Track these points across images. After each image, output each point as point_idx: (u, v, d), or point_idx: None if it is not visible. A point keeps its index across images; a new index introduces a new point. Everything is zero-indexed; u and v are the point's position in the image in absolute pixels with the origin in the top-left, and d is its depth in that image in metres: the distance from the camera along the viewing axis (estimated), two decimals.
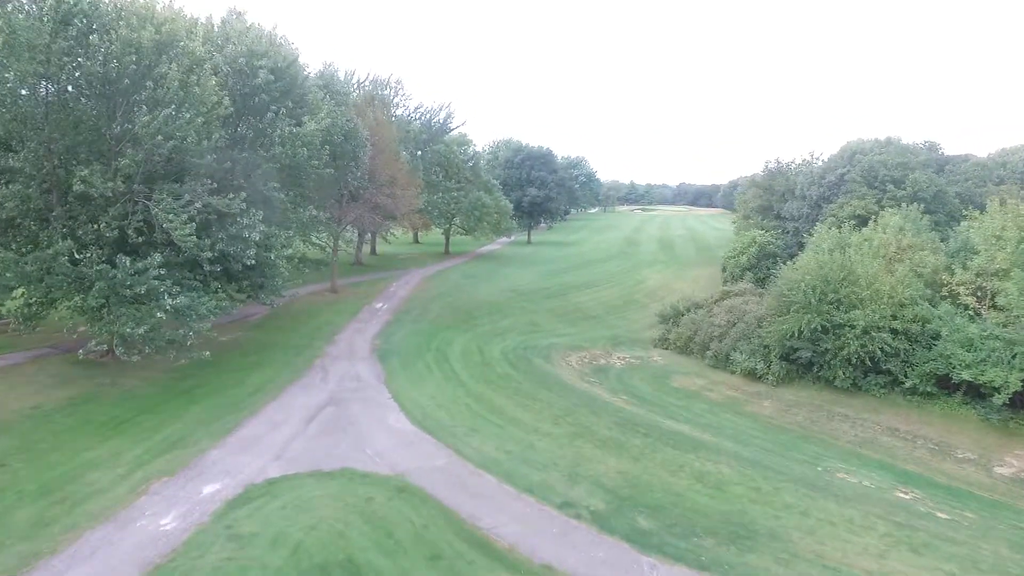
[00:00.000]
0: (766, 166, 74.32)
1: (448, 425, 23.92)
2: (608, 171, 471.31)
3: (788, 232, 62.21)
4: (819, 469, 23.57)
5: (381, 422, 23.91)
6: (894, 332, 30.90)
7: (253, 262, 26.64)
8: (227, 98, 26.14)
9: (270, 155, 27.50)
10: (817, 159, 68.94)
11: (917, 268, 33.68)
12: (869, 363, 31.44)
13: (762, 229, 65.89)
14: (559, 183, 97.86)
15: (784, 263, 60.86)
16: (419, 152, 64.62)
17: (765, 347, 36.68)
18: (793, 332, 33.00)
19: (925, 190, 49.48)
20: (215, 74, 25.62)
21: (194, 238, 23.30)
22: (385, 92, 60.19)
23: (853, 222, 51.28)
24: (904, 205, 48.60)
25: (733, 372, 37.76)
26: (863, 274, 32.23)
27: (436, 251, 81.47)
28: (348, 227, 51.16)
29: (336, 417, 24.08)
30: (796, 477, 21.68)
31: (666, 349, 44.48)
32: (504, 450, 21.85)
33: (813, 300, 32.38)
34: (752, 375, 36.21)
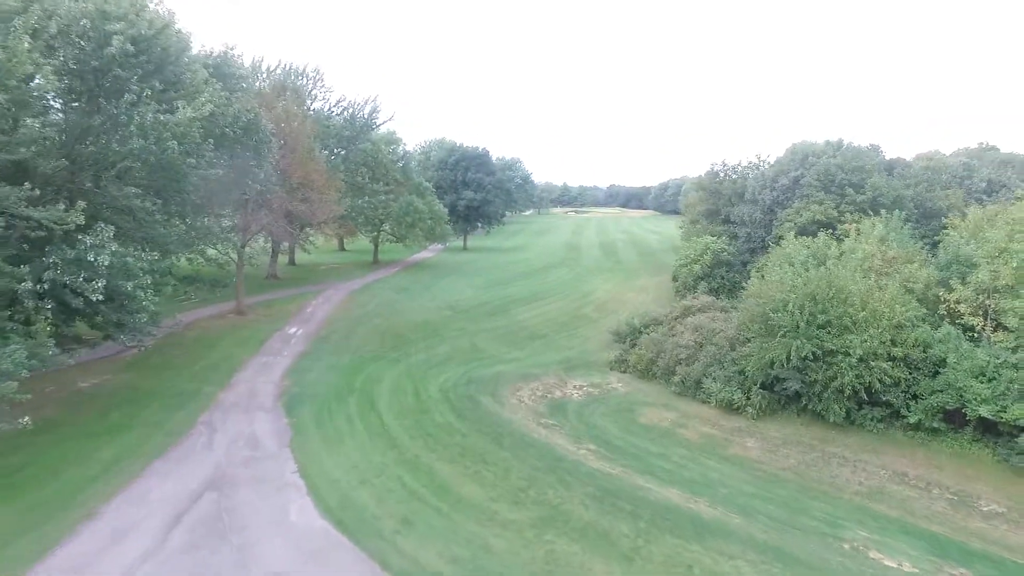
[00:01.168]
0: (711, 168, 71.46)
1: (373, 516, 17.72)
2: (541, 173, 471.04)
3: (739, 238, 59.13)
4: (846, 547, 18.93)
5: (280, 518, 17.42)
6: (892, 359, 27.02)
7: (101, 296, 19.45)
8: (59, 71, 18.82)
9: (127, 150, 20.35)
10: (764, 161, 66.55)
11: (907, 283, 30.13)
12: (865, 394, 27.44)
13: (712, 235, 62.71)
14: (497, 185, 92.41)
15: (738, 271, 58.11)
16: (342, 151, 57.39)
17: (742, 374, 32.38)
18: (779, 360, 28.65)
19: (885, 195, 47.15)
20: (35, 37, 18.35)
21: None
22: (301, 82, 52.74)
23: (816, 228, 48.53)
24: (884, 212, 45.95)
25: (705, 402, 33.26)
26: (855, 292, 28.25)
27: (364, 260, 74.09)
28: (258, 237, 43.50)
29: (215, 514, 17.38)
30: (833, 570, 16.87)
31: (624, 372, 39.67)
32: (450, 556, 15.92)
33: (802, 323, 28.12)
34: (729, 407, 31.74)
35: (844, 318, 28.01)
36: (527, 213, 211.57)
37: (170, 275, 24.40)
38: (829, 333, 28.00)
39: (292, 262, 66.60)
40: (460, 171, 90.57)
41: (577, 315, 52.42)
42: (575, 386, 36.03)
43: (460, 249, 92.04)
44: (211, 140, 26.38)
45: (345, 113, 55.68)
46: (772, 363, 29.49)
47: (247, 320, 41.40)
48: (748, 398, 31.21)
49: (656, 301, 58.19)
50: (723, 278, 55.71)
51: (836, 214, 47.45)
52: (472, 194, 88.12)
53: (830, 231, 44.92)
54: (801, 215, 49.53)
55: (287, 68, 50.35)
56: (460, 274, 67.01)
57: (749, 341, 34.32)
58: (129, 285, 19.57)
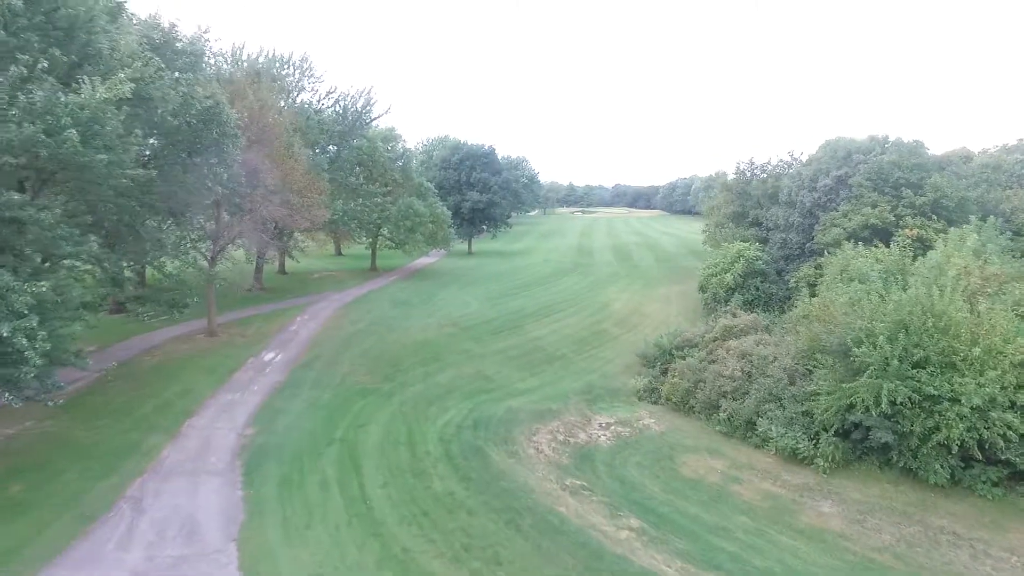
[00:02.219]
0: (737, 167, 65.67)
1: None
2: (546, 172, 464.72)
3: (774, 244, 53.28)
4: None
5: None
6: (1015, 407, 21.27)
7: None
8: None
9: (4, 140, 14.78)
10: (796, 159, 60.70)
11: (1017, 308, 24.32)
12: (977, 451, 21.68)
13: (744, 240, 56.89)
14: (503, 186, 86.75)
15: (774, 282, 52.30)
16: (333, 148, 51.85)
17: (807, 415, 26.65)
18: (863, 405, 22.90)
19: (948, 196, 41.31)
20: None
21: None
22: (286, 72, 47.22)
23: (869, 234, 42.71)
24: (959, 221, 40.31)
25: (760, 448, 27.59)
26: (962, 321, 22.45)
27: (361, 267, 68.57)
28: (236, 246, 37.95)
29: None
30: None
31: (656, 404, 34.10)
32: None
33: (893, 360, 22.35)
34: (792, 455, 26.01)
35: (948, 354, 22.22)
36: (533, 213, 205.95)
37: (82, 308, 18.71)
38: (929, 373, 22.21)
39: (282, 270, 61.12)
40: (465, 171, 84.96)
41: (595, 331, 46.68)
42: (601, 424, 30.36)
43: (465, 254, 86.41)
44: (151, 131, 20.80)
45: (336, 106, 50.23)
46: (852, 407, 23.74)
47: (218, 343, 35.87)
48: (816, 446, 25.47)
49: (682, 314, 52.51)
50: (758, 289, 49.88)
51: (893, 218, 41.59)
52: (477, 195, 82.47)
53: (878, 239, 39.23)
54: (850, 219, 43.67)
55: (269, 55, 44.82)
56: (464, 283, 61.37)
57: (812, 372, 28.70)
58: (3, 329, 14.04)
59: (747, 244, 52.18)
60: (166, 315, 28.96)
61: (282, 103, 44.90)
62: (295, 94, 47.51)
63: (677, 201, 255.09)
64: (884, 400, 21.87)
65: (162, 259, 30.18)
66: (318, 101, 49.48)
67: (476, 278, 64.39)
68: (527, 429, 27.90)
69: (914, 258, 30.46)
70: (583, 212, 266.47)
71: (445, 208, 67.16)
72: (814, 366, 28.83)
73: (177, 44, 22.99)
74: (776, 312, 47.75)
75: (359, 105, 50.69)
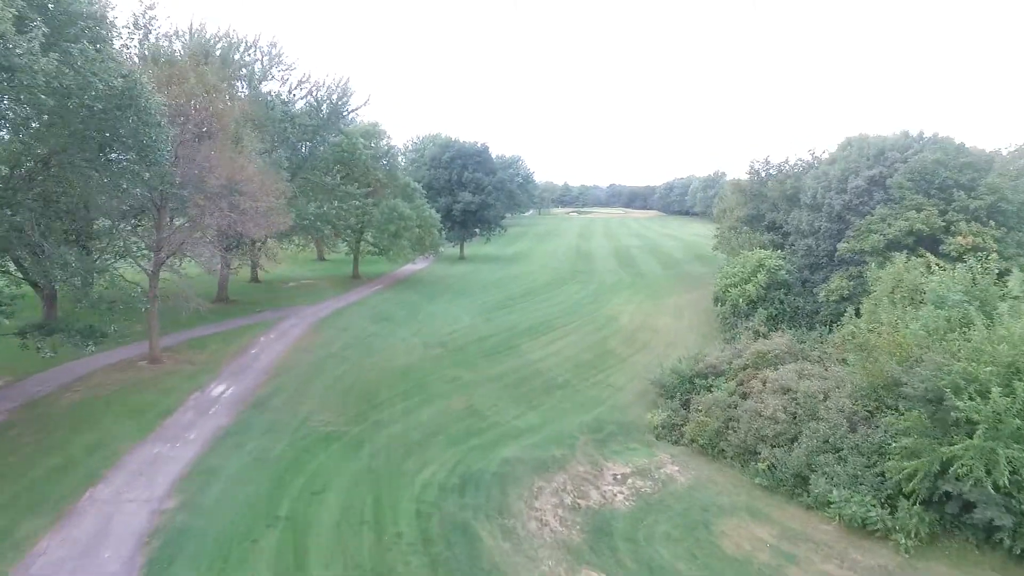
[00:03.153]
0: (751, 167, 60.49)
1: None
2: (540, 171, 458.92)
3: (797, 251, 48.05)
4: None
5: None
6: None
7: None
8: None
9: None
10: (817, 158, 55.54)
11: None
12: None
13: (763, 246, 51.71)
14: (498, 186, 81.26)
15: (799, 294, 47.05)
16: (306, 144, 46.25)
17: (875, 471, 21.38)
18: (969, 474, 17.59)
19: (1009, 199, 36.17)
20: None
21: None
22: (251, 57, 41.67)
23: (913, 242, 37.52)
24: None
25: (814, 509, 22.31)
26: None
27: (343, 274, 63.01)
28: (178, 256, 32.29)
29: None
30: None
31: (677, 445, 28.84)
32: None
33: (1012, 417, 17.05)
34: (861, 526, 20.71)
35: None
36: (528, 214, 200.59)
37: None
38: None
39: (254, 279, 55.47)
40: (456, 170, 79.42)
41: (601, 351, 41.30)
42: (616, 476, 24.97)
43: (456, 259, 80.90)
44: (27, 118, 15.32)
45: (309, 98, 44.66)
46: (947, 471, 18.46)
47: (160, 372, 30.28)
48: (894, 515, 20.17)
49: (695, 329, 47.28)
50: (782, 302, 44.67)
51: (942, 224, 36.41)
52: (470, 196, 76.94)
53: (923, 248, 34.08)
54: (890, 225, 38.44)
55: (230, 38, 39.02)
56: (454, 293, 55.87)
57: (873, 414, 23.47)
58: None
59: (768, 252, 46.93)
60: (81, 346, 23.26)
61: (242, 92, 39.39)
62: (261, 83, 41.98)
63: (674, 201, 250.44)
64: (1003, 472, 16.55)
65: (84, 277, 24.57)
66: (288, 92, 43.96)
67: (468, 287, 58.89)
68: (527, 490, 22.48)
69: (999, 276, 25.13)
70: (579, 213, 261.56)
71: (434, 211, 61.63)
72: (876, 407, 23.67)
73: (70, 5, 17.52)
74: (803, 328, 42.59)
75: (335, 97, 45.00)
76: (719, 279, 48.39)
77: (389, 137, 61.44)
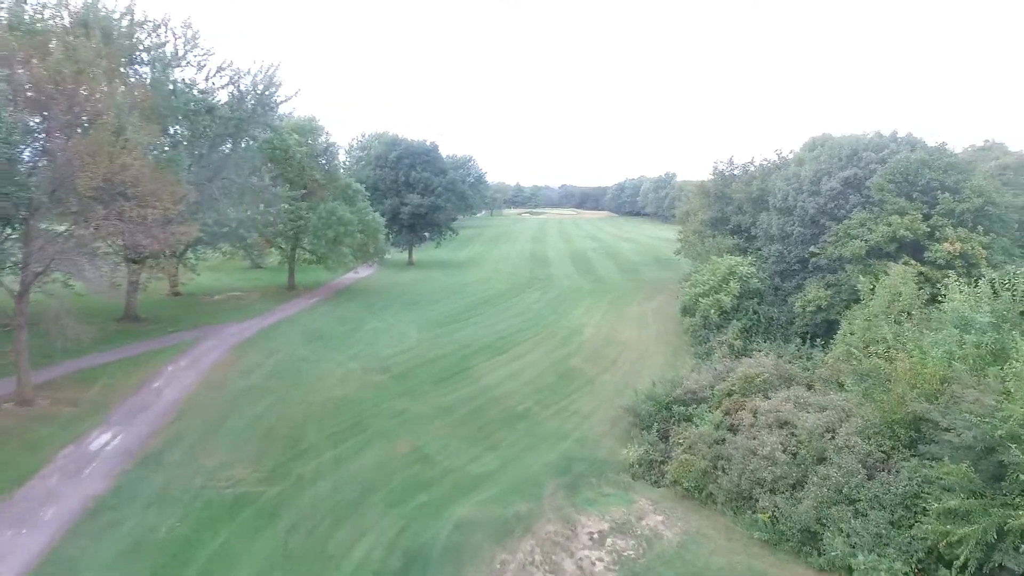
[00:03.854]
0: (715, 167, 57.92)
1: None
2: (492, 172, 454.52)
3: (768, 258, 45.29)
4: None
5: None
6: None
7: None
8: None
9: None
10: (783, 159, 53.30)
11: None
12: None
13: (729, 251, 48.85)
14: (448, 187, 76.36)
15: (771, 303, 44.24)
16: (229, 141, 40.36)
17: (908, 536, 17.94)
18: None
19: (996, 203, 34.03)
20: None
21: None
22: (159, 37, 35.67)
23: (896, 249, 34.97)
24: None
25: (827, 570, 18.81)
26: None
27: (279, 283, 57.05)
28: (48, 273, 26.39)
29: None
30: None
31: (658, 486, 25.04)
32: None
33: None
34: None
35: None
36: (480, 215, 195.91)
37: None
38: None
39: (174, 292, 49.04)
40: (403, 170, 74.15)
41: (565, 371, 37.28)
42: (593, 536, 20.83)
43: (404, 265, 75.67)
44: None
45: (231, 87, 38.87)
46: (1006, 540, 15.08)
47: (28, 418, 24.46)
48: None
49: (662, 342, 43.90)
50: (755, 313, 41.74)
51: (926, 229, 33.95)
52: (418, 198, 71.80)
53: (906, 254, 31.54)
54: (871, 230, 35.86)
55: (132, 16, 32.90)
56: (401, 304, 50.87)
57: (891, 455, 20.14)
58: None
59: (739, 258, 43.95)
60: None
61: (145, 76, 33.52)
62: (172, 68, 35.99)
63: (626, 202, 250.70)
64: None
65: None
66: (206, 79, 38.16)
67: (416, 297, 53.94)
68: (488, 566, 18.08)
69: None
70: (531, 213, 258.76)
71: (378, 214, 56.36)
72: (893, 447, 20.35)
73: None
74: (779, 341, 39.75)
75: (260, 88, 39.29)
76: (687, 288, 45.15)
77: (328, 134, 55.95)
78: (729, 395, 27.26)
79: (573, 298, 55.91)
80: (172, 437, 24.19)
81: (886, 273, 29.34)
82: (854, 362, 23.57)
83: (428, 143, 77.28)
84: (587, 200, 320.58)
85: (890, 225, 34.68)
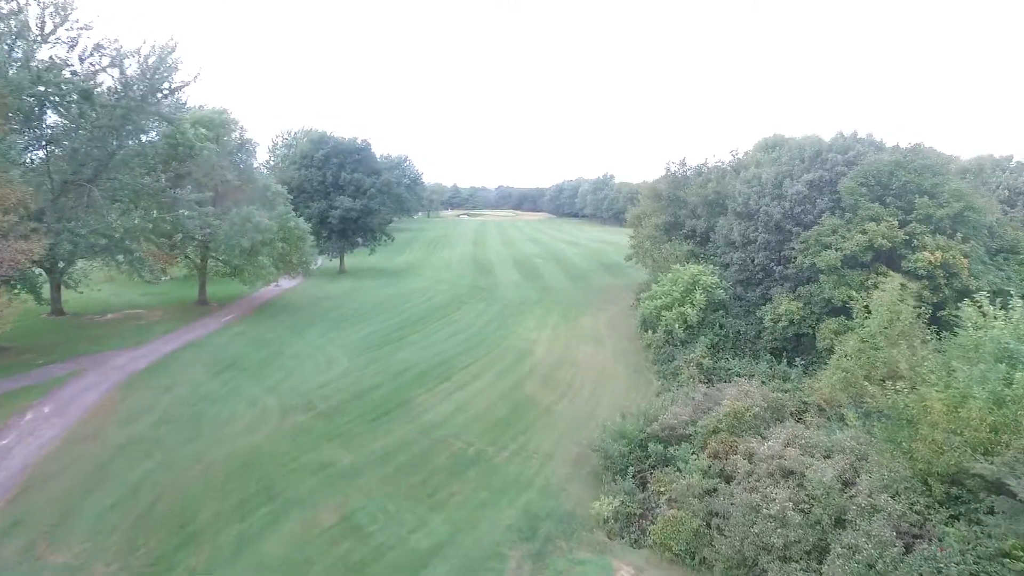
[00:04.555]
0: (667, 169, 54.97)
1: None
2: (428, 173, 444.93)
3: (731, 266, 42.43)
4: None
5: None
6: None
7: None
8: None
9: None
10: (740, 160, 50.93)
11: None
12: None
13: (686, 259, 45.85)
14: (383, 189, 70.35)
15: (738, 316, 41.35)
16: (115, 133, 33.56)
17: None
18: None
19: (976, 208, 32.01)
20: None
21: None
22: (12, 5, 28.69)
23: (871, 259, 32.47)
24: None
25: None
26: None
27: (189, 298, 49.89)
28: None
29: None
30: None
31: (639, 547, 21.02)
32: None
33: None
34: None
35: None
36: (417, 216, 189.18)
37: None
38: None
39: (57, 309, 41.34)
40: (332, 170, 67.73)
41: (518, 400, 32.83)
42: None
43: (335, 273, 69.29)
44: None
45: (112, 70, 31.98)
46: None
47: None
48: None
49: (622, 361, 40.20)
50: (722, 327, 38.67)
51: (904, 236, 31.57)
52: (349, 201, 65.62)
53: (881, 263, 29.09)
54: (844, 238, 33.29)
55: None
56: (330, 322, 45.04)
57: (928, 516, 16.76)
58: None
59: (701, 267, 40.81)
60: None
61: None
62: (36, 44, 29.10)
63: (564, 204, 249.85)
64: None
65: None
66: (80, 59, 31.22)
67: (347, 313, 48.16)
68: None
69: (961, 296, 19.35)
70: (469, 215, 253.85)
71: (303, 220, 50.15)
72: (928, 505, 16.96)
73: None
74: (747, 357, 36.80)
75: (150, 72, 32.50)
76: (646, 300, 41.65)
77: (243, 129, 49.34)
78: (715, 433, 23.55)
79: (520, 310, 51.59)
80: (7, 524, 18.11)
81: (877, 288, 26.52)
82: (869, 398, 20.21)
83: (360, 141, 71.13)
84: (525, 201, 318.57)
85: (865, 233, 32.14)
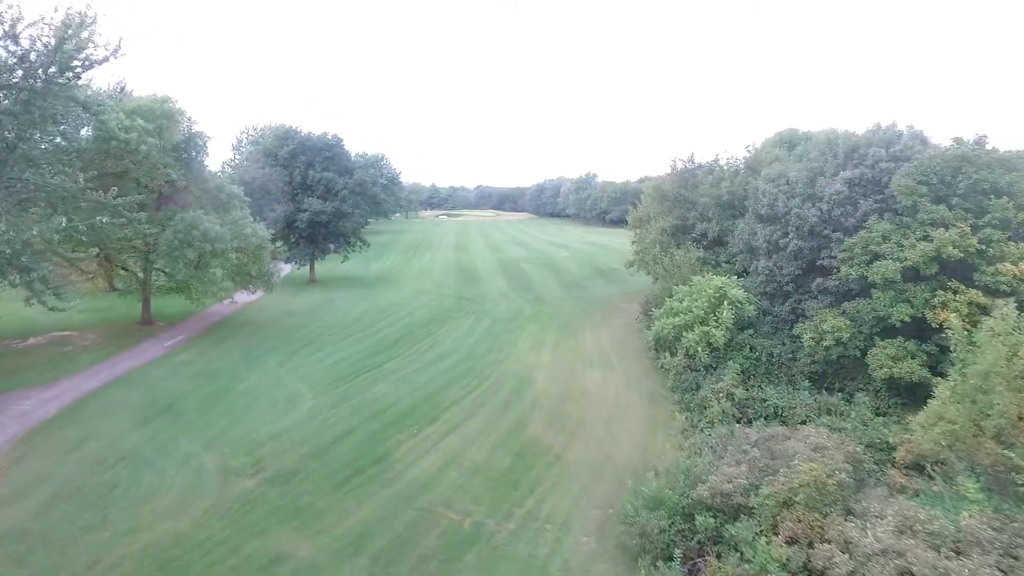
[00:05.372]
0: (673, 166, 49.76)
1: None
2: (406, 172, 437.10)
3: (757, 276, 37.20)
4: None
5: None
6: None
7: None
8: None
9: None
10: (756, 156, 45.81)
11: None
12: None
13: (700, 267, 40.58)
14: (357, 190, 63.90)
15: (768, 335, 36.09)
16: (14, 122, 27.01)
17: None
18: None
19: None
20: None
21: None
22: None
23: (935, 269, 27.35)
24: None
25: None
26: None
27: (131, 316, 43.17)
28: None
29: None
30: None
31: None
32: None
33: None
34: None
35: None
36: (395, 217, 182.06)
37: None
38: None
39: None
40: (299, 168, 61.20)
41: (521, 446, 27.06)
42: None
43: (304, 283, 62.80)
44: None
45: (5, 41, 25.36)
46: None
47: None
48: None
49: (634, 386, 34.76)
50: (753, 349, 33.38)
51: (977, 244, 26.52)
52: (319, 203, 59.16)
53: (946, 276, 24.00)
54: (901, 246, 28.17)
55: None
56: (293, 345, 38.79)
57: None
58: None
59: (725, 278, 35.49)
60: None
61: None
62: None
63: (546, 203, 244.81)
64: None
65: None
66: None
67: (314, 333, 41.88)
68: None
69: None
70: (449, 216, 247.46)
71: (263, 227, 43.68)
72: None
73: None
74: (784, 384, 31.58)
75: (52, 40, 25.87)
76: (663, 317, 36.18)
77: (192, 120, 42.65)
78: (787, 506, 18.05)
79: (513, 326, 45.81)
80: None
81: (945, 306, 21.36)
82: (987, 458, 14.90)
83: (331, 136, 64.58)
84: (505, 201, 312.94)
85: (930, 240, 27.01)
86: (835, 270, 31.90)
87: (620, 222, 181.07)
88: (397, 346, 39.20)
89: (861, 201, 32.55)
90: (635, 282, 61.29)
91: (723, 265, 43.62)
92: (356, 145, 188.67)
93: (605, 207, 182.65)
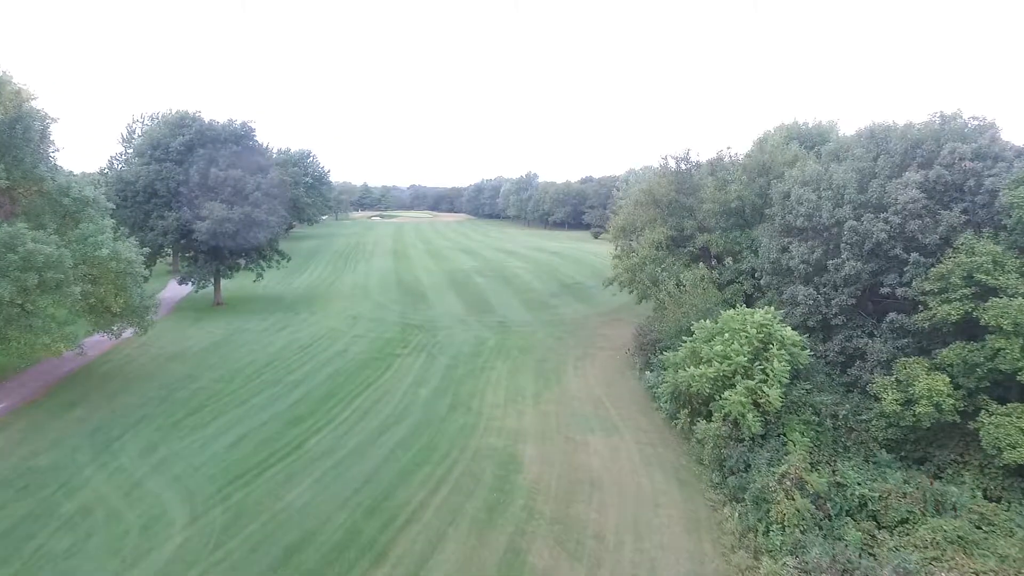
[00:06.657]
0: (664, 162, 41.41)
1: None
2: (335, 171, 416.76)
3: (800, 305, 28.98)
4: None
5: None
6: None
7: None
8: None
9: None
10: (770, 154, 37.93)
11: None
12: None
13: (729, 287, 32.24)
14: (272, 192, 51.70)
15: (828, 388, 27.82)
16: None
17: None
18: None
19: None
20: None
21: None
22: None
23: None
24: None
25: None
26: None
27: None
28: None
29: None
30: None
31: None
32: None
33: None
34: None
35: None
36: (323, 219, 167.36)
37: None
38: None
39: None
40: (198, 164, 48.87)
41: None
42: None
43: (208, 308, 50.57)
44: None
45: None
46: None
47: None
48: None
49: (653, 460, 25.92)
50: (814, 410, 24.98)
51: None
52: (223, 208, 47.01)
53: None
54: None
55: None
56: (172, 413, 27.52)
57: None
58: None
59: (767, 311, 26.96)
60: None
61: None
62: None
63: (485, 204, 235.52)
64: None
65: None
66: None
67: (206, 392, 30.56)
68: None
69: None
70: (382, 217, 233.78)
71: (131, 244, 31.66)
72: None
73: None
74: (858, 457, 23.44)
75: None
76: (683, 364, 27.28)
77: (32, 97, 30.41)
78: None
79: (477, 366, 36.02)
80: None
81: None
82: None
83: (238, 124, 52.45)
84: (442, 202, 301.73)
85: None
86: (912, 301, 24.05)
87: (563, 224, 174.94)
88: (323, 408, 28.58)
89: (943, 212, 24.85)
90: (607, 300, 52.83)
91: (727, 287, 35.66)
92: (277, 140, 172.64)
93: (548, 208, 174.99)
